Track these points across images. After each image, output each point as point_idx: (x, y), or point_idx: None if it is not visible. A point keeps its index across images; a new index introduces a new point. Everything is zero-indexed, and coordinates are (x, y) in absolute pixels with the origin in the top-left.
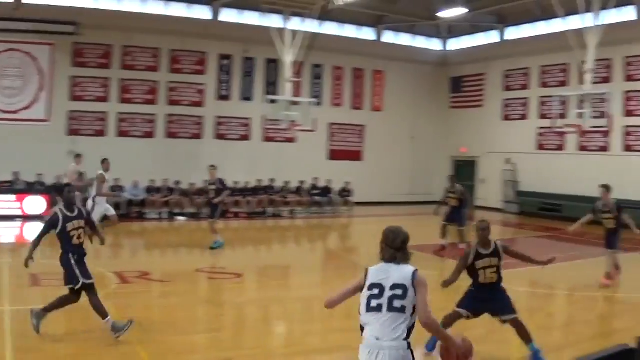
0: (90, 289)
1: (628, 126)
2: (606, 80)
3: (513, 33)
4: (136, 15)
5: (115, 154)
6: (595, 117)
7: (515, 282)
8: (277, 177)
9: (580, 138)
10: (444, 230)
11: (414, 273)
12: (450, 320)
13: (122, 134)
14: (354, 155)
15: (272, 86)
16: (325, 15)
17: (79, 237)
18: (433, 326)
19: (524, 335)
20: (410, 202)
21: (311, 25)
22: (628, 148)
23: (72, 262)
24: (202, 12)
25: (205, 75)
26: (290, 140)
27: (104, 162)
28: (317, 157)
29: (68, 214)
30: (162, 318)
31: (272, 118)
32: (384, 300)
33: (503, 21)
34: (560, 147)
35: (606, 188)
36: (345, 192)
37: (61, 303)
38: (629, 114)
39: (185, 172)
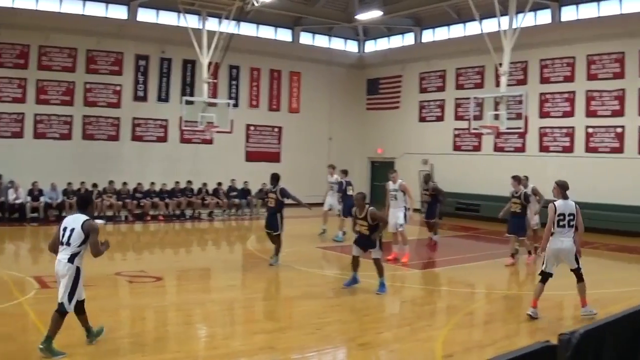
0: None
1: (542, 127)
2: (522, 82)
3: (429, 36)
4: (53, 14)
5: (32, 156)
6: (511, 119)
7: (435, 281)
8: (195, 179)
9: (496, 139)
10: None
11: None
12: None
13: (38, 135)
14: (271, 157)
15: (189, 87)
16: (242, 16)
17: None
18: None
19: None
20: None
21: (228, 26)
22: (544, 149)
23: None
24: (119, 12)
25: (122, 76)
26: (207, 141)
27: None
28: (234, 159)
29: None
30: None
31: (189, 119)
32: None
33: (419, 24)
34: (476, 148)
35: (515, 179)
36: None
37: None
38: (544, 115)
39: (102, 174)
